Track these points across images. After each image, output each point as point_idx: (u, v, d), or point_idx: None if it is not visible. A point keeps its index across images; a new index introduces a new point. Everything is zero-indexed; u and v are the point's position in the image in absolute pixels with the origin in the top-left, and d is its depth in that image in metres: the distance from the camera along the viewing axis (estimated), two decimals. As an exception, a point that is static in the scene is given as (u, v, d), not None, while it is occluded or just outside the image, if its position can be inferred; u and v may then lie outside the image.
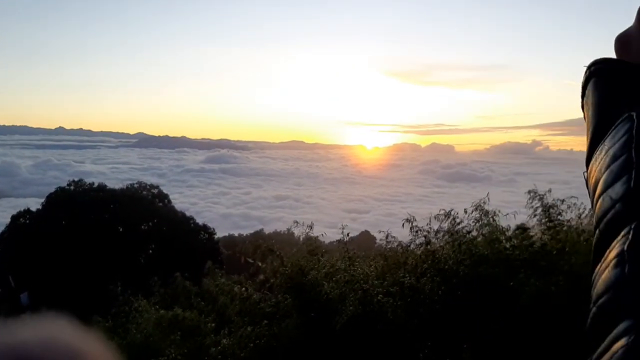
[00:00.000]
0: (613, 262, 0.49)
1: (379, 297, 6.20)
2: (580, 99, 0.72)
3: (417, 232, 7.00)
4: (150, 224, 33.31)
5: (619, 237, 0.51)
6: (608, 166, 0.57)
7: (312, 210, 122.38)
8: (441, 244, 6.92)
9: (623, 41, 0.68)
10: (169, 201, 36.01)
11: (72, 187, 34.64)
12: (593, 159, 0.63)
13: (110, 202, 33.17)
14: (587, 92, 0.70)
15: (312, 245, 7.62)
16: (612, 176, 0.56)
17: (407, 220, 7.09)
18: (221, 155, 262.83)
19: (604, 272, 0.50)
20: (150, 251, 32.24)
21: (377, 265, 7.24)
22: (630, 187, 0.53)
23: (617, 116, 0.61)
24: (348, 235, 7.60)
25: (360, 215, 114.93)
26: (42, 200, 34.57)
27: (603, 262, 0.51)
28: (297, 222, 7.89)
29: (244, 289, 7.91)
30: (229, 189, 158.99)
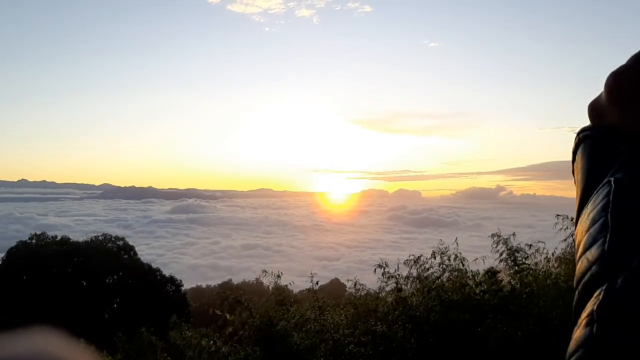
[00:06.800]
0: (584, 322, 0.52)
1: (350, 347, 6.11)
2: (571, 164, 0.76)
3: (388, 278, 6.99)
4: (115, 277, 32.49)
5: (592, 298, 0.54)
6: (587, 229, 0.61)
7: (282, 258, 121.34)
8: (411, 290, 6.91)
9: (596, 110, 0.72)
10: (135, 253, 35.27)
11: (34, 241, 33.71)
12: (579, 222, 0.66)
13: (73, 255, 32.31)
14: (576, 157, 0.74)
15: (281, 295, 7.53)
16: (590, 239, 0.59)
17: (379, 265, 7.08)
18: (188, 205, 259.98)
19: (576, 331, 0.53)
20: (115, 305, 31.35)
21: (347, 313, 7.17)
22: (605, 250, 0.56)
23: (601, 181, 0.65)
24: (317, 283, 7.53)
25: (331, 262, 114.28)
26: (3, 254, 33.55)
27: (577, 322, 0.54)
28: (265, 271, 7.82)
29: (212, 342, 7.71)
30: (197, 239, 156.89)
